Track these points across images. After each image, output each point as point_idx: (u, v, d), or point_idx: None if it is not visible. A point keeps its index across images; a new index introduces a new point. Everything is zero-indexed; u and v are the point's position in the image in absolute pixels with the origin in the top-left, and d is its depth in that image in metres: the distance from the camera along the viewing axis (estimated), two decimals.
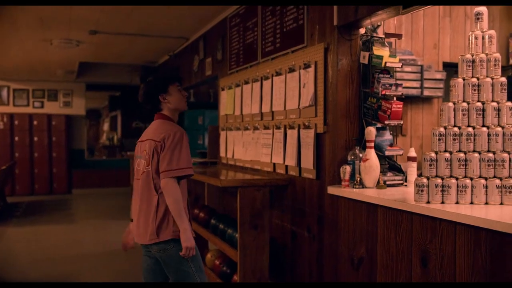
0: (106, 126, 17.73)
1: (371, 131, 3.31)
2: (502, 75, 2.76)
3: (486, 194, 2.57)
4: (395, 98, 3.42)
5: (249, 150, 4.97)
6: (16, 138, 11.80)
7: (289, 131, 4.13)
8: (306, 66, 3.89)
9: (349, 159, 3.43)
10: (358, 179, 3.31)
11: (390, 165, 3.54)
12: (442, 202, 2.62)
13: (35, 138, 11.93)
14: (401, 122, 3.41)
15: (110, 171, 12.93)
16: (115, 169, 12.88)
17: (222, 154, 5.82)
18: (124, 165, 11.72)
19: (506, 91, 2.69)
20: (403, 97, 3.51)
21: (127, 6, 5.70)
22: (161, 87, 2.94)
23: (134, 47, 8.25)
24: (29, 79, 11.86)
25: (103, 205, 10.19)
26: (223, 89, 5.86)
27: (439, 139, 2.70)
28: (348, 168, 3.34)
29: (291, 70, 4.15)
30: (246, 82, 5.10)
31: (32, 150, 11.91)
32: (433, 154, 2.68)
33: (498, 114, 2.65)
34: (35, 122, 11.92)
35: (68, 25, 6.64)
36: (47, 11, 5.92)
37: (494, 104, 2.66)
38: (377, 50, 3.49)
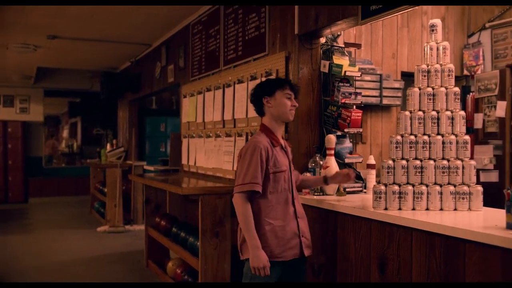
0: (65, 133, 17.33)
1: (331, 139, 3.35)
2: (457, 85, 2.85)
3: (441, 201, 2.64)
4: (354, 107, 3.48)
5: (211, 157, 4.95)
6: None
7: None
8: (268, 74, 3.91)
9: (309, 166, 3.46)
10: (319, 186, 3.34)
11: None
12: (399, 209, 2.68)
13: None
14: (361, 130, 3.48)
15: (69, 179, 12.61)
16: (75, 177, 12.58)
17: (184, 161, 5.77)
18: (84, 173, 11.45)
19: (459, 101, 2.79)
20: (362, 105, 3.58)
21: (87, 11, 5.60)
22: (268, 89, 2.76)
23: (95, 52, 8.11)
24: None
25: (61, 214, 9.90)
26: (185, 96, 5.83)
27: (396, 147, 2.76)
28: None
29: (253, 78, 4.16)
30: (208, 90, 5.09)
31: None
32: (390, 162, 2.74)
33: (452, 123, 2.74)
34: None
35: (25, 29, 6.47)
36: (3, 14, 5.74)
37: (448, 113, 2.74)
38: (337, 59, 3.55)
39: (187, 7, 5.35)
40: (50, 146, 14.59)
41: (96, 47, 7.61)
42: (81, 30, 6.53)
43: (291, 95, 2.76)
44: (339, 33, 3.65)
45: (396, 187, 2.69)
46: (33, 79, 10.82)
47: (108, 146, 9.63)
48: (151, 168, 7.70)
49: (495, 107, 4.60)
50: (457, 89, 2.78)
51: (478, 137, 4.67)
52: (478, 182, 2.75)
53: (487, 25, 4.80)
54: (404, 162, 2.72)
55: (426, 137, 2.74)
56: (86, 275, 5.33)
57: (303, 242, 2.76)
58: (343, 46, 3.69)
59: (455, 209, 2.63)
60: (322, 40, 3.65)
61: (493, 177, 4.44)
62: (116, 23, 6.20)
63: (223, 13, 4.86)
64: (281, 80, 2.87)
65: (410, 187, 2.67)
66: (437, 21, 2.89)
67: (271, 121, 2.78)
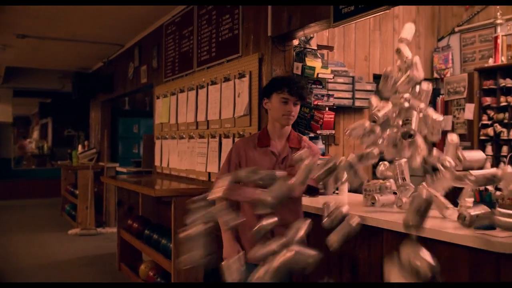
0: (35, 134, 16.97)
1: None
2: None
3: None
4: (327, 108, 3.51)
5: (184, 159, 4.92)
6: None
7: (224, 140, 4.13)
8: (241, 75, 3.91)
9: None
10: None
11: None
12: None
13: None
14: (333, 131, 3.50)
15: (39, 181, 12.36)
16: (45, 179, 12.34)
17: (157, 163, 5.72)
18: (54, 175, 11.23)
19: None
20: (335, 107, 3.62)
21: (57, 10, 5.50)
22: (266, 90, 2.66)
23: (66, 52, 7.96)
24: None
25: (31, 217, 9.69)
26: (158, 98, 5.78)
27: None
28: None
29: (226, 79, 4.16)
30: (182, 91, 5.06)
31: None
32: None
33: None
34: None
35: None
36: None
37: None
38: (310, 61, 3.58)
39: (160, 7, 5.31)
40: (20, 148, 14.28)
41: (67, 46, 7.48)
42: (52, 29, 6.41)
43: (287, 99, 2.55)
44: (312, 35, 3.68)
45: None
46: (2, 78, 10.58)
47: (80, 148, 9.47)
48: (124, 169, 7.60)
49: (463, 109, 4.70)
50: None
51: None
52: None
53: (456, 29, 4.92)
54: None
55: None
56: (57, 278, 5.23)
57: None
58: (316, 48, 3.72)
59: None
60: (295, 42, 3.67)
61: None
62: (87, 23, 6.11)
63: (196, 14, 4.84)
64: (280, 81, 2.64)
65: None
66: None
67: (269, 123, 2.71)
